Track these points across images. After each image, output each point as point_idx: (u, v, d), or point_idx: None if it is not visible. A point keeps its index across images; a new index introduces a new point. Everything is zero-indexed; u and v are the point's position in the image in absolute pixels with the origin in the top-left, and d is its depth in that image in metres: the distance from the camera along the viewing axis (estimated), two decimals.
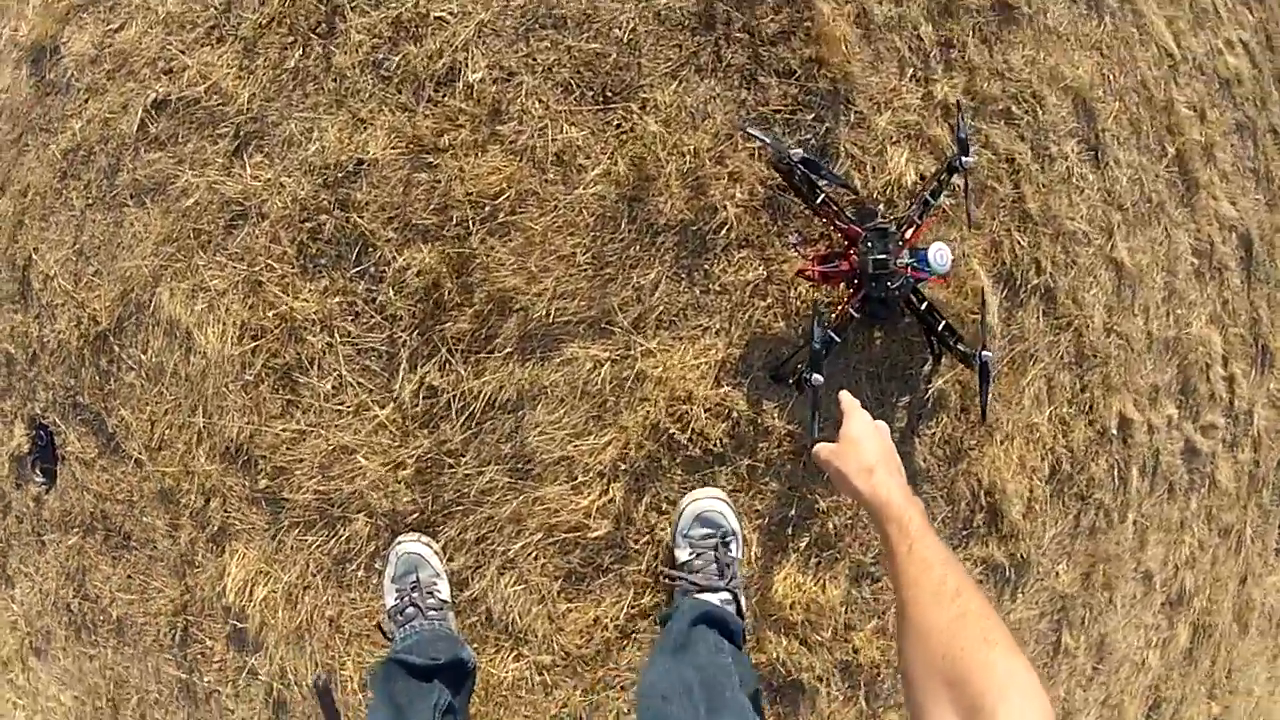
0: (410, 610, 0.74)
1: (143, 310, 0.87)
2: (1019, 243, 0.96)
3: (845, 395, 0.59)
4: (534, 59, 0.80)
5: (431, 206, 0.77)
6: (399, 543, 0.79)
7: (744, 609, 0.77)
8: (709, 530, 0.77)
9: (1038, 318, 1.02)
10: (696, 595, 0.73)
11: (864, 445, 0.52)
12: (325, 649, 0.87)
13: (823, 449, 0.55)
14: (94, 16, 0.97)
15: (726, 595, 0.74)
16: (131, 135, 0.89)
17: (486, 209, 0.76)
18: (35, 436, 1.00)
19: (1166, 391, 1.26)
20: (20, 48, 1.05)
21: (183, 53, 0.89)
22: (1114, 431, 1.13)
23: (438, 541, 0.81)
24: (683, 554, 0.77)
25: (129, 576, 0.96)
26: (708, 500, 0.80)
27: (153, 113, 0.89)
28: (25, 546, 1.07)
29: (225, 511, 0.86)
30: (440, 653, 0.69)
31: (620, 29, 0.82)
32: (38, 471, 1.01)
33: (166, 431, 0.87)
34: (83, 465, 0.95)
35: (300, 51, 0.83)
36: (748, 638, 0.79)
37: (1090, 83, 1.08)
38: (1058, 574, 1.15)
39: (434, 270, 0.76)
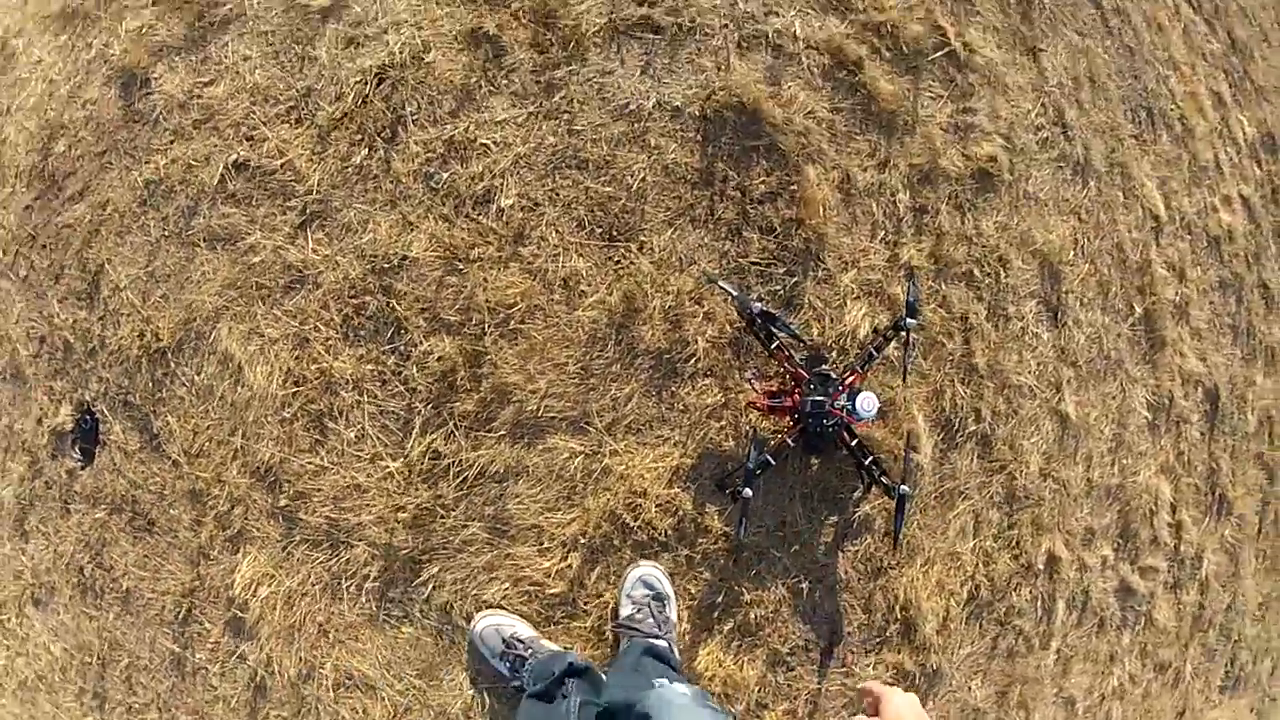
0: (517, 660, 1.13)
1: (201, 339, 1.26)
2: (960, 393, 1.33)
3: (873, 684, 0.70)
4: (557, 194, 1.18)
5: (457, 306, 1.15)
6: (477, 623, 1.18)
7: (678, 658, 1.13)
8: (648, 591, 1.15)
9: (971, 460, 1.39)
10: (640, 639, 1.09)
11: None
12: (311, 648, 1.26)
13: None
14: (185, 63, 1.36)
15: (664, 644, 1.10)
16: (211, 186, 1.28)
17: (501, 316, 1.14)
18: (80, 420, 1.39)
19: (1104, 534, 1.62)
20: (111, 66, 1.43)
21: (264, 124, 1.27)
22: (1040, 567, 1.49)
23: (423, 575, 1.18)
24: (626, 610, 1.15)
25: (146, 556, 1.36)
26: (648, 568, 1.18)
27: (232, 171, 1.27)
28: (49, 509, 1.46)
29: (246, 519, 1.25)
30: (553, 668, 1.04)
31: (632, 177, 1.19)
32: (76, 450, 1.41)
33: (206, 443, 1.26)
34: (123, 454, 1.34)
35: (366, 150, 1.21)
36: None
37: (1060, 247, 1.44)
38: (971, 689, 1.52)
39: (452, 359, 1.14)
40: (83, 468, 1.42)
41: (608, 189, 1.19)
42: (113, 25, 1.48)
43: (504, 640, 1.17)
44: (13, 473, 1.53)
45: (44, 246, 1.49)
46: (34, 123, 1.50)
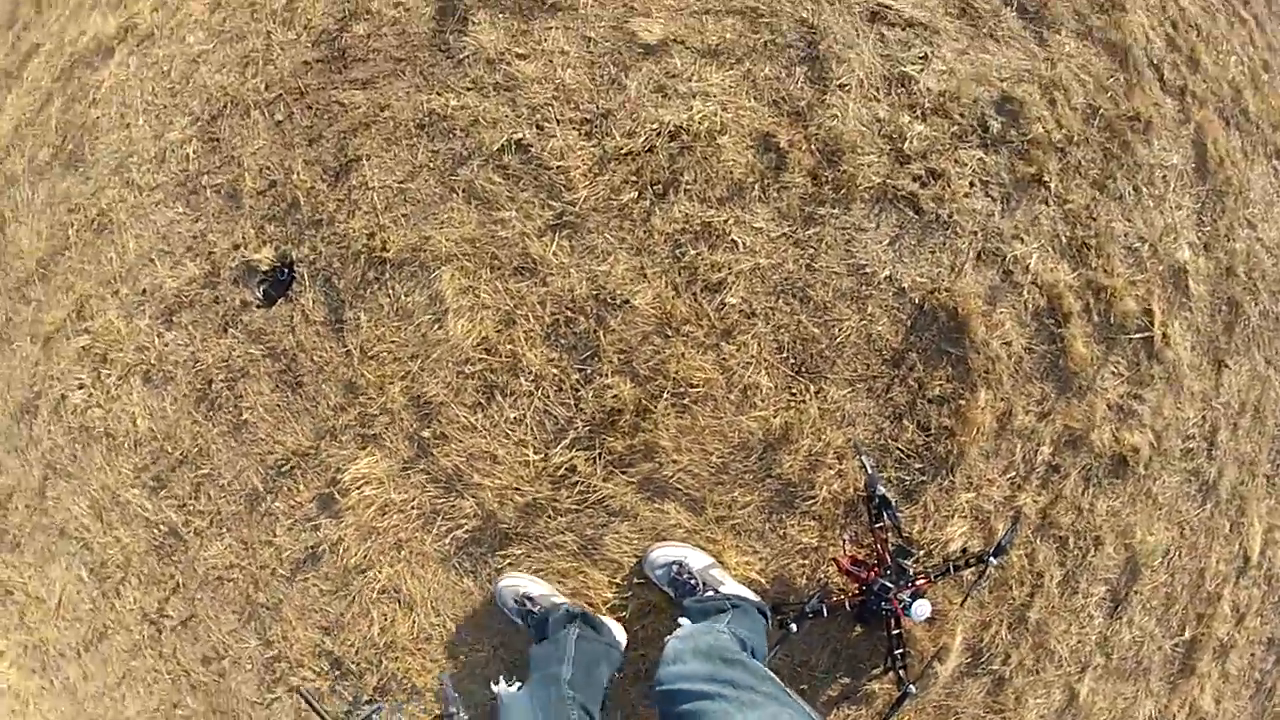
0: (529, 615, 1.55)
1: (423, 270, 1.67)
2: (1003, 635, 1.72)
3: None
4: (773, 313, 1.56)
5: (650, 364, 1.55)
6: (497, 584, 1.62)
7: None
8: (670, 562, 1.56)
9: (981, 693, 1.78)
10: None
11: None
12: (379, 551, 1.69)
13: None
14: (506, 25, 1.75)
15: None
16: (489, 149, 1.68)
17: (681, 389, 1.54)
18: (278, 269, 1.81)
19: None
20: None
21: (557, 123, 1.66)
22: None
23: (506, 550, 1.60)
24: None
25: (279, 406, 1.78)
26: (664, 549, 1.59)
27: (513, 146, 1.66)
28: (206, 319, 1.90)
29: (386, 429, 1.67)
30: (552, 616, 1.47)
31: (839, 330, 1.57)
32: (260, 290, 1.83)
33: (384, 353, 1.68)
34: (303, 318, 1.76)
35: (635, 194, 1.60)
36: None
37: (1153, 551, 1.81)
38: None
39: (625, 402, 1.54)
40: (258, 308, 1.85)
41: (815, 330, 1.57)
42: None
43: (514, 599, 1.59)
44: (186, 272, 1.96)
45: (309, 107, 1.90)
46: None
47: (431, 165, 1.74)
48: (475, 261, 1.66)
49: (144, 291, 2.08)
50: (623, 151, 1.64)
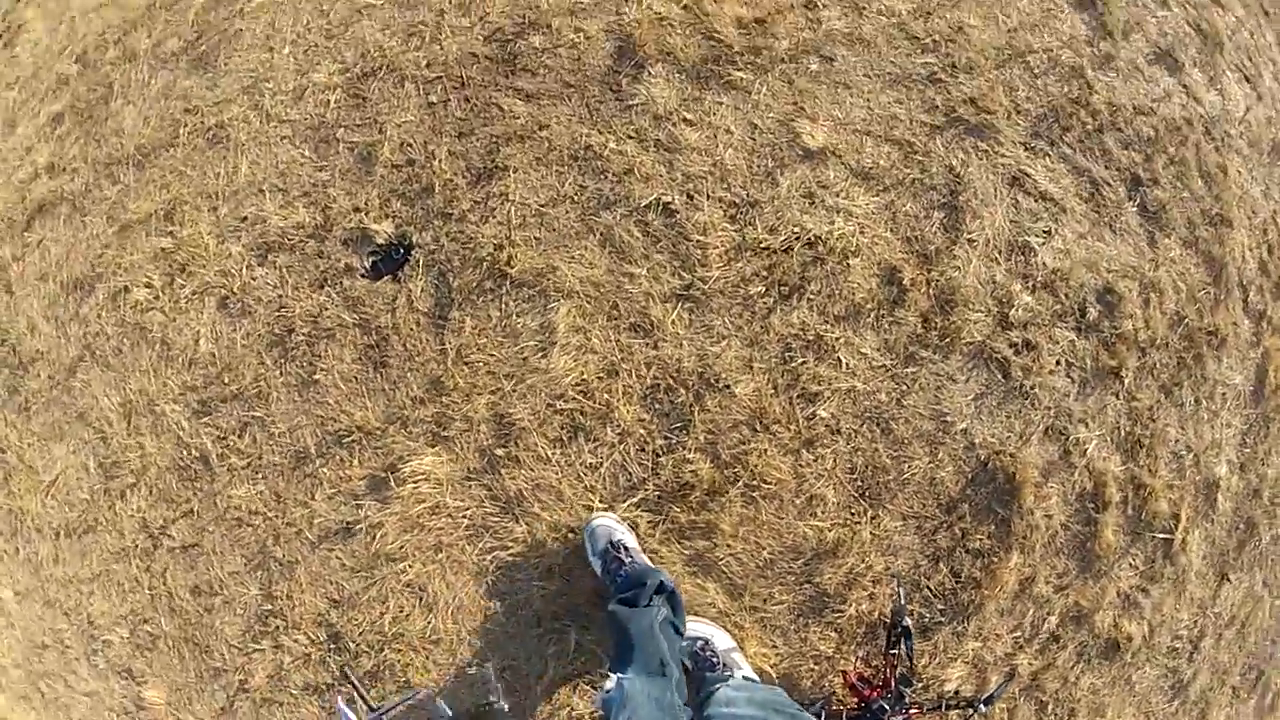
0: (615, 563, 1.54)
1: (542, 297, 1.73)
2: None
3: None
4: (855, 437, 1.65)
5: (733, 451, 1.63)
6: (594, 519, 1.62)
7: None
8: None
9: None
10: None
11: None
12: (414, 547, 1.72)
13: None
14: (680, 87, 1.81)
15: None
16: (635, 203, 1.74)
17: (755, 483, 1.61)
18: (393, 247, 1.84)
19: None
20: (622, 25, 1.86)
21: (707, 198, 1.72)
22: None
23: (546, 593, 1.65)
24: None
25: (356, 380, 1.80)
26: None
27: (658, 207, 1.72)
28: (303, 268, 1.92)
29: (461, 435, 1.71)
30: (646, 580, 1.46)
31: (908, 467, 1.68)
32: (368, 261, 1.85)
33: (479, 362, 1.72)
34: (406, 302, 1.79)
35: (762, 288, 1.68)
36: None
37: None
38: None
39: (700, 480, 1.63)
40: (362, 277, 1.86)
41: (888, 461, 1.67)
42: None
43: (610, 543, 1.59)
44: (296, 216, 1.97)
45: (467, 100, 1.93)
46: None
47: (576, 199, 1.79)
48: (595, 306, 1.72)
49: (245, 219, 2.07)
50: (761, 245, 1.72)
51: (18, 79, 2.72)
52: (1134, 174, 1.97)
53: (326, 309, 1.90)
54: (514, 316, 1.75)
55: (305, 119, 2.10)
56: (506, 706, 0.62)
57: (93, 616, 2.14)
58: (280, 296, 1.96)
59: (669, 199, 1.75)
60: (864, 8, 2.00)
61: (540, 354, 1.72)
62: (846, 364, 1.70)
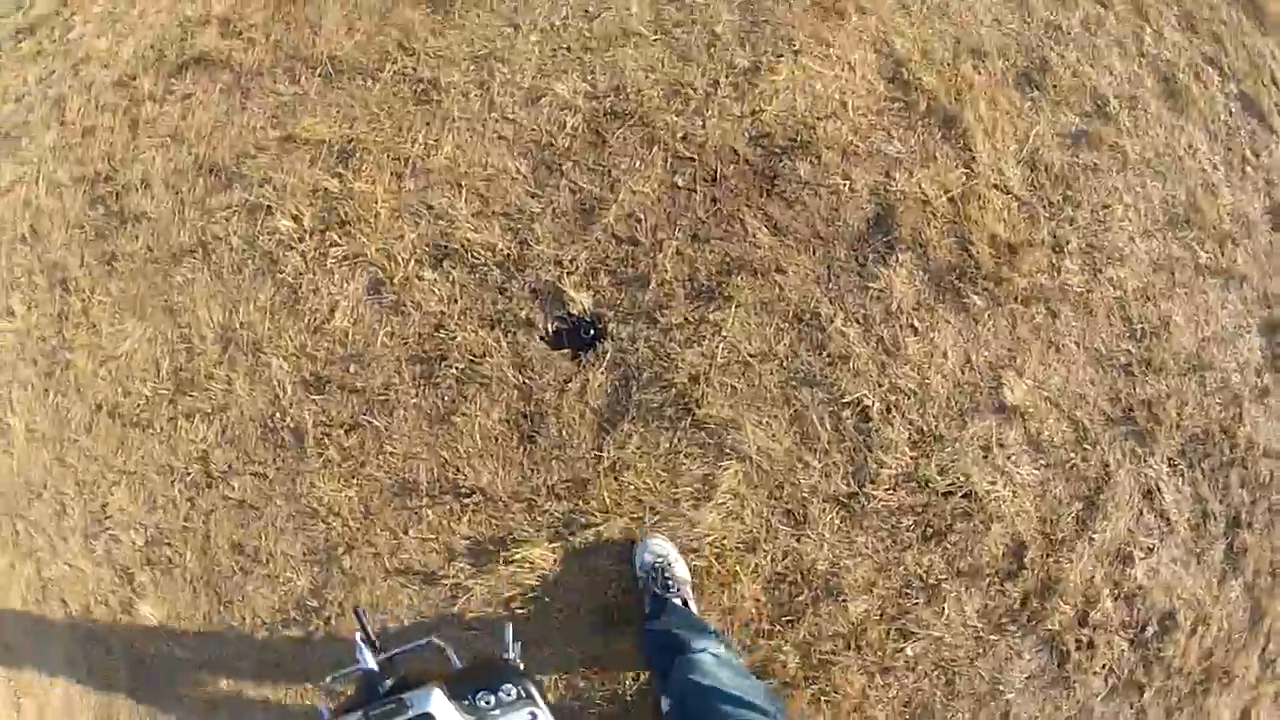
0: (663, 585, 1.55)
1: (716, 449, 1.70)
2: None
3: None
4: (923, 678, 1.76)
5: (823, 654, 1.70)
6: (649, 536, 1.63)
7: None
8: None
9: None
10: None
11: None
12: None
13: None
14: (920, 283, 1.76)
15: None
16: (836, 392, 1.71)
17: (828, 689, 1.70)
18: (584, 323, 1.76)
19: None
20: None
21: (902, 415, 1.72)
22: None
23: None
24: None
25: (496, 441, 1.76)
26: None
27: (856, 405, 1.70)
28: (478, 296, 1.80)
29: (584, 546, 1.70)
30: (698, 625, 1.51)
31: (950, 718, 1.81)
32: (551, 324, 1.75)
33: (631, 483, 1.70)
34: (579, 391, 1.75)
35: (911, 524, 1.72)
36: None
37: None
38: None
39: (787, 669, 1.69)
40: (541, 339, 1.75)
41: (938, 708, 1.81)
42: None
43: (654, 564, 1.59)
44: (488, 234, 1.82)
45: (714, 201, 1.82)
46: None
47: (785, 363, 1.75)
48: (762, 479, 1.72)
49: (430, 207, 1.89)
50: (927, 482, 1.76)
51: None
52: (1238, 514, 2.12)
53: (490, 354, 1.80)
54: (681, 456, 1.73)
55: (532, 130, 1.91)
56: (522, 664, 0.66)
57: (109, 506, 2.02)
58: (443, 314, 1.83)
59: (869, 403, 1.74)
60: (1099, 270, 2.00)
61: (692, 503, 1.72)
62: (947, 615, 1.79)
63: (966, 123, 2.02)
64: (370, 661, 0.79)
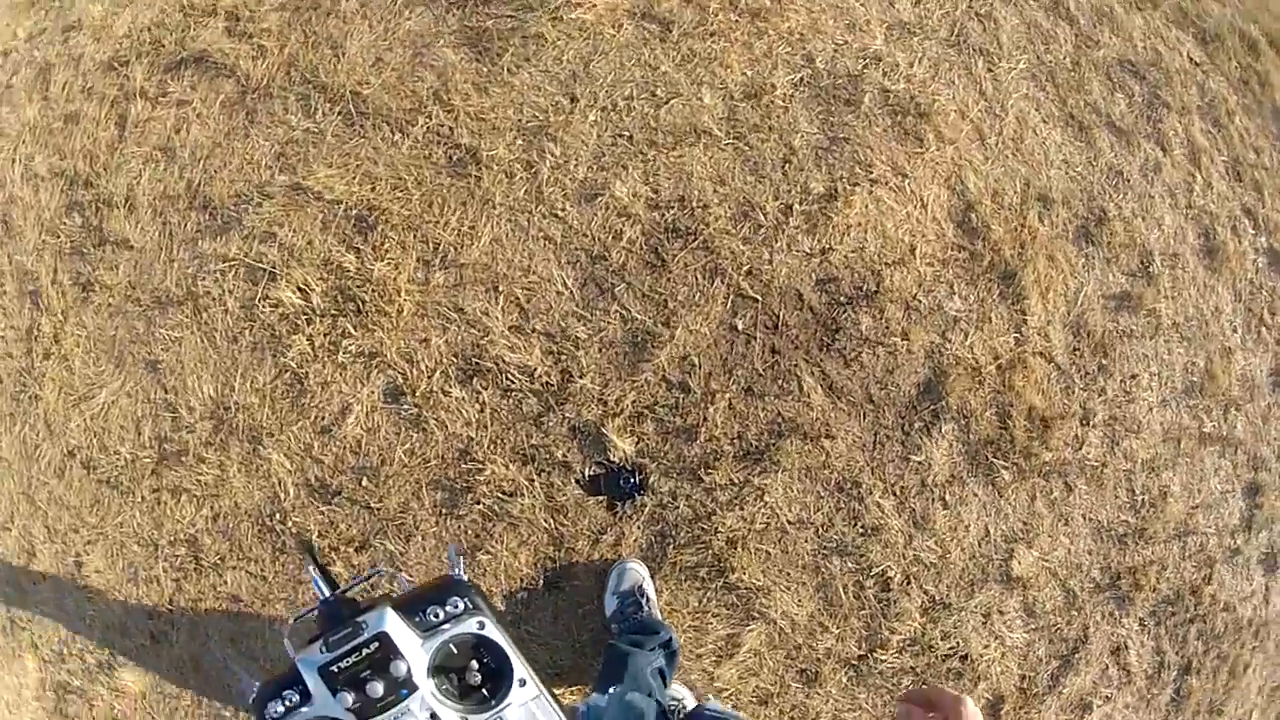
0: (632, 607, 1.58)
1: (744, 611, 1.69)
2: None
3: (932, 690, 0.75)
4: None
5: None
6: (627, 561, 1.64)
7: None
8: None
9: None
10: None
11: None
12: None
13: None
14: (957, 455, 1.76)
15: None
16: (864, 562, 1.72)
17: None
18: (624, 472, 1.70)
19: None
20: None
21: (919, 587, 1.75)
22: None
23: None
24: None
25: (522, 583, 1.65)
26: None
27: (881, 574, 1.72)
28: (511, 424, 1.72)
29: None
30: (657, 630, 1.54)
31: None
32: (589, 469, 1.67)
33: None
34: (613, 544, 1.65)
35: (909, 683, 1.78)
36: None
37: None
38: None
39: None
40: (577, 483, 1.63)
41: None
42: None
43: (636, 587, 1.61)
44: (526, 357, 1.69)
45: (773, 352, 1.73)
46: None
47: (820, 533, 1.73)
48: (782, 641, 1.74)
49: (461, 310, 1.73)
50: (929, 645, 1.83)
51: None
52: (1189, 662, 2.33)
53: (522, 494, 1.70)
54: (709, 615, 1.73)
55: (584, 235, 1.74)
56: (466, 578, 0.76)
57: (84, 565, 1.85)
58: (471, 440, 1.69)
59: (892, 574, 1.77)
60: (1117, 443, 2.06)
61: (715, 659, 1.73)
62: None
63: (1025, 281, 1.99)
64: (325, 590, 0.83)
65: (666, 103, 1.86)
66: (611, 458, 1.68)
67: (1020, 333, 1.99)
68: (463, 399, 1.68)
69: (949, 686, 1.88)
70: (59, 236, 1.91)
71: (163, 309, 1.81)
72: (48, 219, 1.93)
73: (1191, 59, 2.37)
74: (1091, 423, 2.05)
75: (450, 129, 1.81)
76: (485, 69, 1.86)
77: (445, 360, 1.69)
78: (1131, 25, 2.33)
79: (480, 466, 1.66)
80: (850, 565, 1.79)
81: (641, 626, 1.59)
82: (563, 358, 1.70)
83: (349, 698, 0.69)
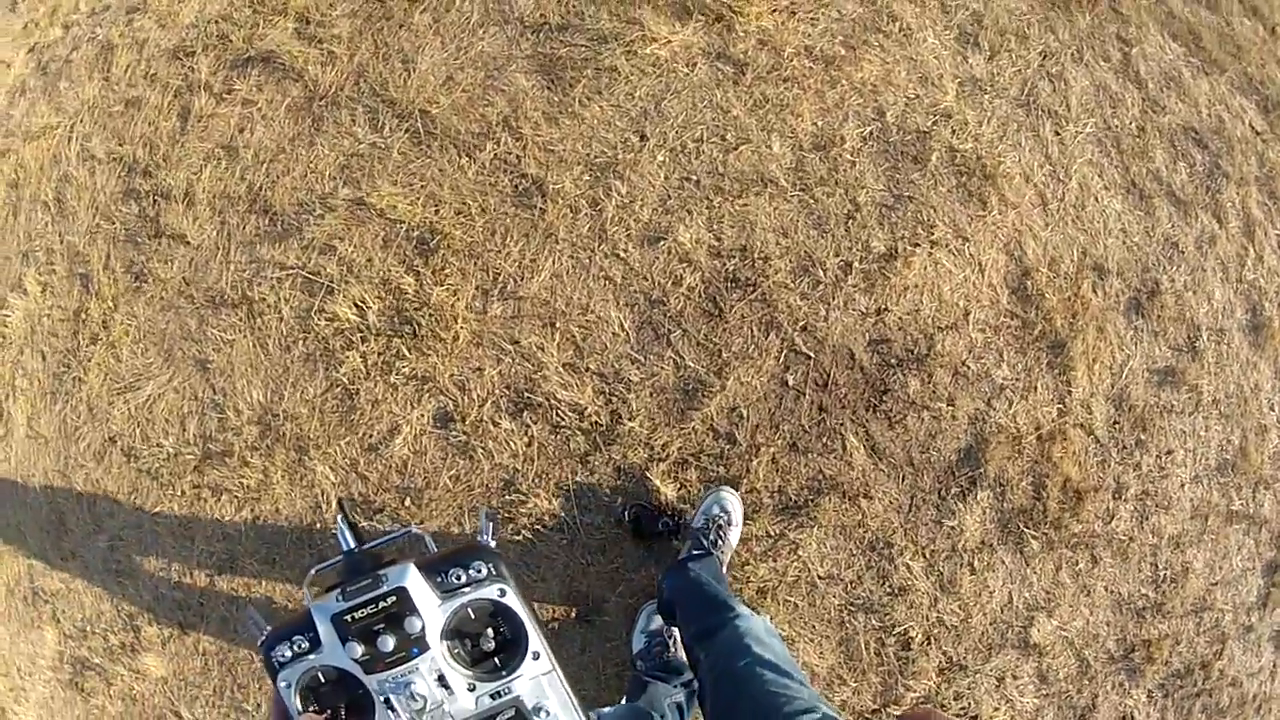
0: (659, 647, 1.62)
1: None
2: None
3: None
4: None
5: None
6: (652, 603, 1.67)
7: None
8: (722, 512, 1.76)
9: None
10: None
11: None
12: None
13: None
14: (990, 520, 1.79)
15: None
16: (893, 621, 1.76)
17: None
18: (665, 515, 1.72)
19: None
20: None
21: (939, 648, 1.79)
22: None
23: None
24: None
25: (559, 624, 1.68)
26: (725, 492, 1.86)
27: (903, 635, 1.76)
28: (559, 457, 1.73)
29: None
30: (682, 670, 1.56)
31: None
32: (631, 511, 1.69)
33: None
34: (640, 588, 1.66)
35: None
36: None
37: None
38: None
39: None
40: (616, 523, 1.67)
41: None
42: None
43: (665, 629, 1.63)
44: (578, 394, 1.76)
45: (821, 409, 1.74)
46: None
47: (848, 590, 1.78)
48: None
49: (516, 342, 1.76)
50: (940, 703, 1.89)
51: None
52: None
53: (562, 530, 1.76)
54: None
55: (644, 278, 1.77)
56: (493, 544, 0.78)
57: (115, 549, 1.91)
58: (515, 472, 1.74)
59: (914, 634, 1.82)
60: (1146, 518, 2.10)
61: None
62: None
63: (1073, 352, 2.01)
64: (350, 541, 0.82)
65: (736, 148, 1.87)
66: (653, 501, 1.74)
67: (1064, 404, 2.01)
68: (512, 431, 1.72)
69: None
70: (114, 223, 1.94)
71: (216, 309, 1.85)
72: (103, 203, 1.97)
73: (1253, 128, 2.36)
74: (1124, 497, 2.08)
75: (518, 157, 1.83)
76: (557, 99, 1.87)
77: (497, 391, 1.73)
78: (1198, 91, 2.32)
79: (524, 498, 1.72)
80: (874, 623, 1.85)
81: (666, 665, 1.66)
82: (614, 399, 1.74)
83: (358, 649, 0.69)
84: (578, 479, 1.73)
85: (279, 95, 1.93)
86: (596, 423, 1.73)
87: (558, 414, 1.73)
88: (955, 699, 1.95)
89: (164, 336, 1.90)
